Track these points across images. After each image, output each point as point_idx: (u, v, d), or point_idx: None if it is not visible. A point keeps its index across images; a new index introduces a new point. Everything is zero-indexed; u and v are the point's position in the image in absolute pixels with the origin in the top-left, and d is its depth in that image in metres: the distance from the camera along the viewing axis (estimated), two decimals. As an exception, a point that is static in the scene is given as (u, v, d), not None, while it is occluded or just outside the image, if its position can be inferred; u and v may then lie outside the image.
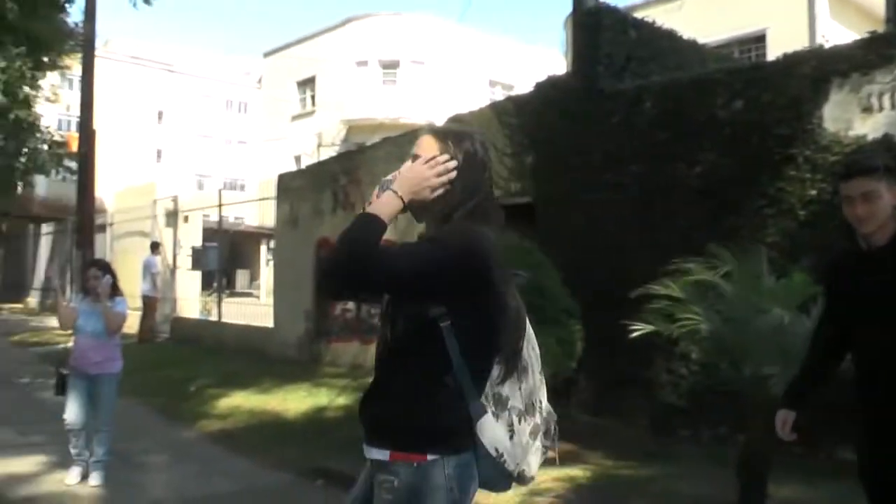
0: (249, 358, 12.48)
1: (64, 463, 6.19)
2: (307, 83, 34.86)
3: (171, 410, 8.96)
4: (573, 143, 8.41)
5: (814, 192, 6.54)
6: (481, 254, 2.21)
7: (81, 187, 14.51)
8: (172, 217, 17.92)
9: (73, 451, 6.08)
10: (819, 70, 6.67)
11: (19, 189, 21.48)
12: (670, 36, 9.51)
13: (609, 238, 8.00)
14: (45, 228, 26.92)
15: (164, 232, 17.90)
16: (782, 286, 5.05)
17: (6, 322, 21.08)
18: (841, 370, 3.23)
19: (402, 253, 2.22)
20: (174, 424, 8.48)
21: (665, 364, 7.31)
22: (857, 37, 7.07)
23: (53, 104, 21.33)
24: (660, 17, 9.78)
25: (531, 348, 2.34)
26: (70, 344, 6.22)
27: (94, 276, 6.05)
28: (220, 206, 15.51)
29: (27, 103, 18.00)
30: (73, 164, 18.82)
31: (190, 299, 17.48)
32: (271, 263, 17.07)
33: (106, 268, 6.23)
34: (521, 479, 2.28)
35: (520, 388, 2.26)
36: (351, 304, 11.62)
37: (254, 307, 15.87)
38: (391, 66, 32.41)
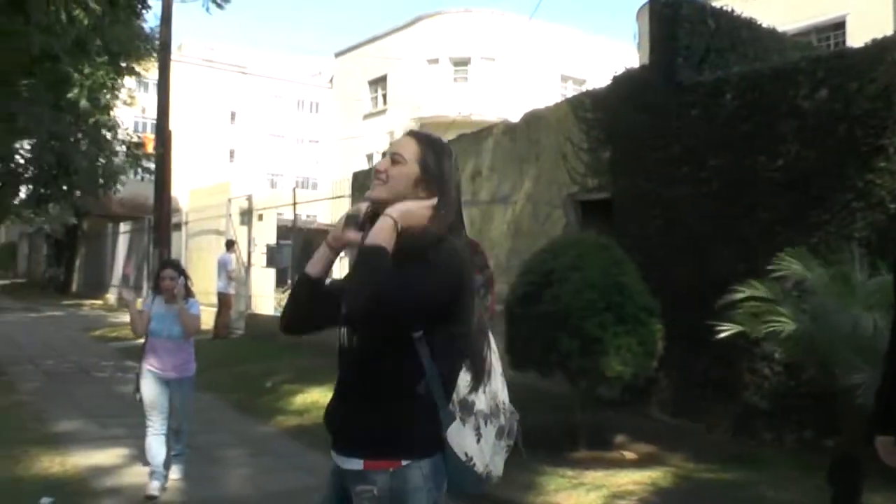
0: (325, 354, 12.53)
1: (144, 456, 6.24)
2: (378, 82, 35.04)
3: (247, 406, 9.07)
4: (651, 137, 8.22)
5: (906, 185, 6.24)
6: (468, 275, 2.25)
7: (158, 187, 14.85)
8: (247, 215, 18.19)
9: (152, 462, 5.75)
10: (911, 56, 6.36)
11: (108, 192, 22.06)
12: (749, 25, 9.22)
13: (689, 234, 7.79)
14: (123, 227, 27.69)
15: (239, 230, 18.17)
16: (874, 285, 4.81)
17: (86, 317, 21.78)
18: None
19: (416, 284, 2.14)
20: (251, 420, 8.57)
21: (747, 364, 7.07)
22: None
23: (130, 107, 21.88)
24: (737, 5, 9.48)
25: (491, 350, 2.35)
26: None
27: (169, 277, 5.87)
28: (294, 204, 15.67)
29: (107, 108, 18.50)
30: (150, 165, 19.30)
31: (264, 296, 17.71)
32: (344, 260, 17.16)
33: (180, 268, 6.10)
34: (489, 479, 2.30)
35: (484, 392, 2.28)
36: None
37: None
38: (462, 63, 32.34)
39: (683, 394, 7.76)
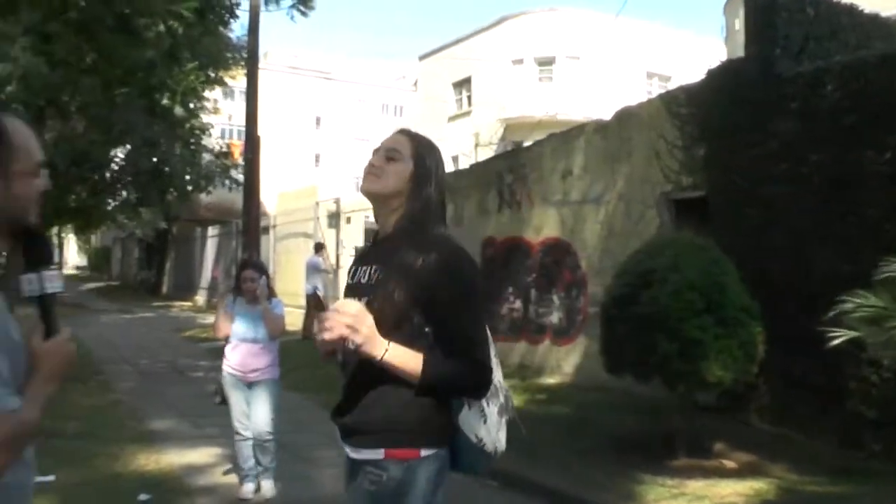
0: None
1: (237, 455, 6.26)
2: (463, 84, 35.03)
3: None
4: (749, 132, 7.90)
5: None
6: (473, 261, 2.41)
7: (247, 191, 15.10)
8: (334, 218, 18.35)
9: (243, 465, 5.70)
10: None
11: (201, 194, 22.65)
12: (850, 11, 8.78)
13: (788, 233, 7.45)
14: (211, 231, 28.49)
15: (327, 233, 18.36)
16: None
17: (177, 319, 22.40)
18: None
19: (463, 316, 2.27)
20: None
21: (853, 371, 6.68)
22: None
23: (215, 115, 22.38)
24: (836, -10, 9.05)
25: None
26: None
27: (249, 278, 5.59)
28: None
29: (197, 115, 18.96)
30: (237, 173, 19.68)
31: (352, 300, 17.83)
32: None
33: (261, 268, 5.85)
34: (496, 456, 2.41)
35: None
36: (518, 303, 11.50)
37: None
38: (547, 62, 32.05)
39: (784, 400, 7.42)
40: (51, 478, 5.62)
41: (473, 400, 2.28)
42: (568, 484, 5.83)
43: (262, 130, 15.05)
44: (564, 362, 10.43)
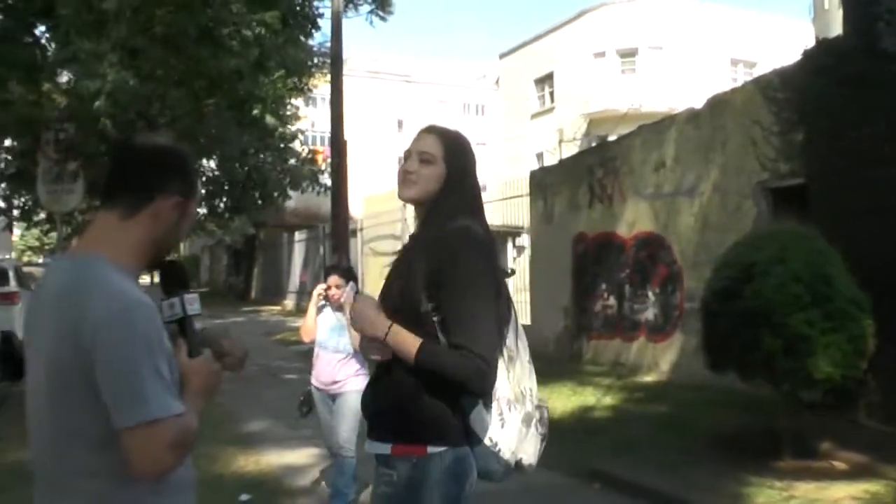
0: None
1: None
2: (545, 80, 34.76)
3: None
4: (851, 114, 7.51)
5: None
6: (496, 255, 2.39)
7: (335, 195, 15.26)
8: (420, 219, 18.36)
9: (335, 481, 5.31)
10: None
11: (290, 199, 23.07)
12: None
13: (898, 219, 7.06)
14: (298, 236, 28.97)
15: (415, 234, 18.42)
16: None
17: (266, 323, 22.83)
18: None
19: (465, 307, 2.22)
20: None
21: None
22: None
23: (298, 122, 22.71)
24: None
25: (518, 337, 2.38)
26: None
27: (335, 285, 5.15)
28: (471, 206, 15.73)
29: (287, 123, 19.27)
30: (322, 178, 19.92)
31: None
32: (518, 261, 17.07)
33: (348, 274, 5.31)
34: (520, 467, 2.36)
35: (508, 377, 2.30)
36: (612, 301, 11.30)
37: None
38: (629, 54, 31.53)
39: (895, 397, 7.04)
40: (248, 496, 5.68)
41: (480, 397, 2.24)
42: (672, 485, 5.64)
43: (345, 135, 15.20)
44: (661, 359, 10.19)
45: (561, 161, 14.38)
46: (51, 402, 1.74)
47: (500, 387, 2.28)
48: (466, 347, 2.16)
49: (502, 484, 5.94)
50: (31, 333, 1.86)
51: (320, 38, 19.04)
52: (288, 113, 19.37)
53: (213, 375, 1.92)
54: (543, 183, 13.43)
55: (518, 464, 2.36)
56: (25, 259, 48.82)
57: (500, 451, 2.28)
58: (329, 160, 16.17)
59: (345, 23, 14.87)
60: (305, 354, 13.59)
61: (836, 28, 9.50)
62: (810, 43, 8.70)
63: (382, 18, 15.28)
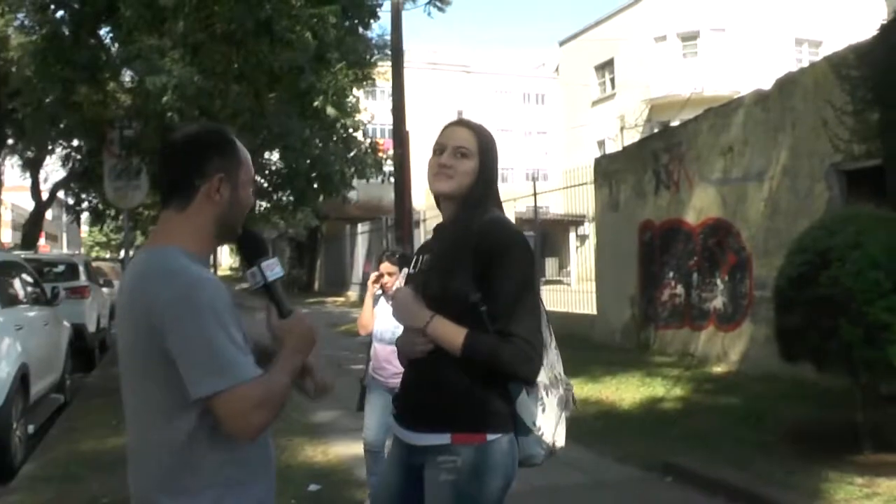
0: (573, 345, 12.31)
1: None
2: (605, 66, 34.38)
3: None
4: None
5: None
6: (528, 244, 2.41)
7: (398, 186, 15.31)
8: (486, 209, 18.32)
9: (370, 478, 5.03)
10: None
11: (350, 193, 23.25)
12: None
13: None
14: (361, 228, 29.20)
15: (477, 224, 18.39)
16: None
17: (331, 314, 23.08)
18: None
19: (513, 296, 2.29)
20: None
21: None
22: None
23: (359, 115, 22.80)
24: None
25: (546, 324, 2.43)
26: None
27: (387, 272, 4.81)
28: (534, 195, 15.63)
29: (349, 114, 19.34)
30: (386, 166, 19.97)
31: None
32: (580, 250, 16.93)
33: (403, 260, 4.82)
34: (554, 450, 2.43)
35: (544, 363, 2.36)
36: (680, 289, 11.10)
37: (568, 294, 15.76)
38: (691, 37, 30.97)
39: None
40: (317, 486, 5.74)
41: (527, 384, 2.31)
42: (747, 480, 5.46)
43: (407, 126, 15.22)
44: (730, 349, 9.96)
45: (625, 148, 14.15)
46: (129, 381, 1.89)
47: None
48: (516, 335, 2.22)
49: (576, 478, 5.88)
50: (117, 322, 1.98)
51: (379, 30, 19.10)
52: (350, 103, 19.48)
53: (306, 333, 2.00)
54: (608, 170, 13.23)
55: (553, 446, 2.42)
56: (94, 254, 50.26)
57: (542, 434, 2.36)
58: (390, 152, 16.21)
59: (403, 14, 14.91)
60: (369, 346, 13.71)
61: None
62: (883, 18, 8.37)
63: (440, 9, 15.26)
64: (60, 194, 27.89)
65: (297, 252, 40.04)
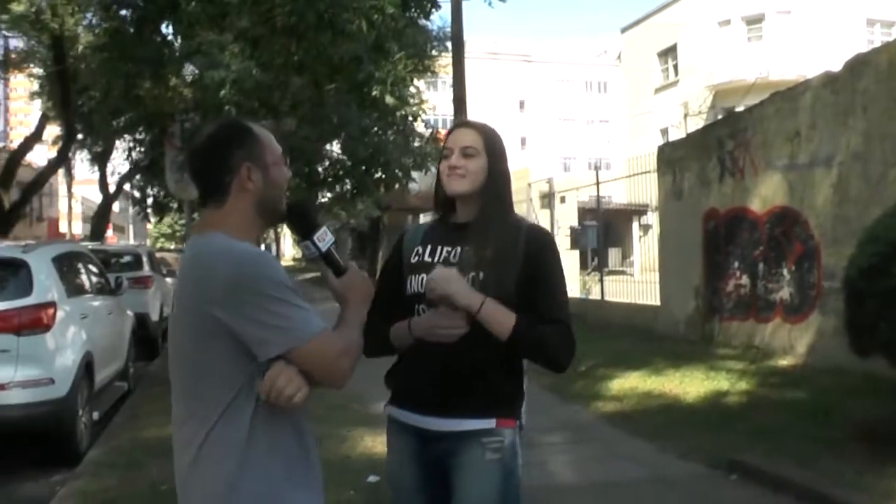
0: (636, 337, 12.17)
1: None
2: (668, 52, 33.82)
3: (561, 389, 8.87)
4: None
5: None
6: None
7: (460, 176, 15.28)
8: (547, 199, 18.27)
9: None
10: None
11: (411, 184, 23.33)
12: None
13: None
14: (422, 218, 29.20)
15: (540, 213, 18.32)
16: None
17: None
18: None
19: (561, 288, 2.51)
20: (568, 404, 8.39)
21: None
22: None
23: (420, 106, 22.82)
24: None
25: None
26: None
27: None
28: (597, 184, 15.46)
29: (408, 104, 19.38)
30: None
31: (569, 278, 17.68)
32: (643, 240, 16.68)
33: None
34: None
35: None
36: (745, 280, 10.84)
37: (631, 285, 15.55)
38: (756, 20, 30.25)
39: None
40: (376, 478, 5.71)
41: (559, 371, 2.46)
42: (814, 479, 5.28)
43: (468, 117, 15.20)
44: (797, 342, 9.67)
45: (688, 135, 13.85)
46: (182, 359, 1.97)
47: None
48: (561, 321, 2.40)
49: (636, 473, 5.79)
50: (175, 304, 2.05)
51: (440, 21, 19.10)
52: (410, 94, 19.53)
53: (364, 284, 2.14)
54: (672, 158, 12.97)
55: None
56: (159, 245, 51.56)
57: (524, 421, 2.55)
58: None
59: (464, 5, 14.87)
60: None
61: None
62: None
63: (501, -1, 15.18)
64: (126, 187, 28.65)
65: (358, 242, 40.37)
